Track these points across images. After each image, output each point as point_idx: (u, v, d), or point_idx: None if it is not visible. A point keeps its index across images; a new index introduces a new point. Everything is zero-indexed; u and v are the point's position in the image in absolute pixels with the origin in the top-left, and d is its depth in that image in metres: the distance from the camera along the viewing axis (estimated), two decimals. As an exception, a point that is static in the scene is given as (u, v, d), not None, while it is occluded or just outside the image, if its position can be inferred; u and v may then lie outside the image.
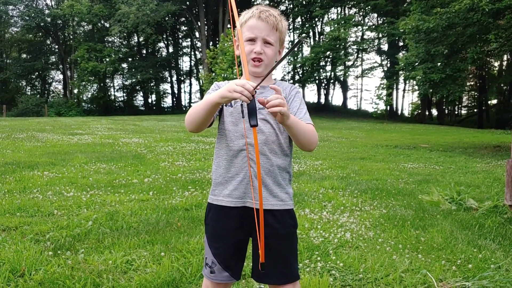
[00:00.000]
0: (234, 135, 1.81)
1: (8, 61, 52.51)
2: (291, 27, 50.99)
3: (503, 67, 40.65)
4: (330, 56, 42.82)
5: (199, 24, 45.73)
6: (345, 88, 52.27)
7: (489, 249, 3.70)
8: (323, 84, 52.08)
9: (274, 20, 1.81)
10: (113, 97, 53.79)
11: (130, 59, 49.67)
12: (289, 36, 50.68)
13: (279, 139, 1.82)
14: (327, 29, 44.44)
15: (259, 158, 1.67)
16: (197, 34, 49.90)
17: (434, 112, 51.79)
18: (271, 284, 1.88)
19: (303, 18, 49.08)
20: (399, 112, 52.64)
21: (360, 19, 45.69)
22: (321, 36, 49.42)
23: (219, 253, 1.85)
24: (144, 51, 53.84)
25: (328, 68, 47.07)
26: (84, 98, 49.24)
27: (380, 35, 43.37)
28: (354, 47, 45.19)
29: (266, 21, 1.80)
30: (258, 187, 1.62)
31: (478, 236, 4.08)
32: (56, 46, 52.88)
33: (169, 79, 56.09)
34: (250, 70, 1.83)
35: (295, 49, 48.44)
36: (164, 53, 55.85)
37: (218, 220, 1.86)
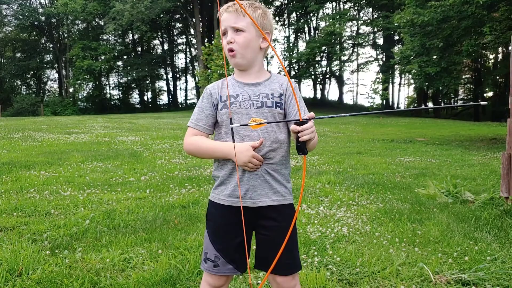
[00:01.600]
0: (238, 136, 1.81)
1: (2, 61, 52.28)
2: (286, 22, 50.95)
3: (498, 60, 40.69)
4: (326, 51, 42.84)
5: (194, 21, 45.60)
6: (341, 83, 52.35)
7: (485, 241, 3.72)
8: (319, 79, 52.10)
9: (238, 7, 1.79)
10: (108, 95, 53.71)
11: (125, 57, 49.56)
12: (284, 31, 50.65)
13: (278, 136, 1.84)
14: (322, 24, 44.45)
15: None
16: (192, 31, 49.78)
17: (430, 105, 51.89)
18: (276, 274, 1.89)
19: (298, 13, 49.03)
20: (395, 106, 52.73)
21: (355, 13, 45.70)
22: (317, 31, 49.41)
23: (223, 248, 1.87)
24: (139, 49, 53.70)
25: (324, 63, 47.17)
26: (80, 97, 49.14)
27: (375, 29, 43.37)
28: (350, 41, 45.24)
29: (229, 10, 1.81)
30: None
31: (475, 229, 4.10)
32: (51, 45, 52.68)
33: (164, 77, 56.04)
34: (230, 62, 1.85)
35: (290, 44, 48.42)
36: (159, 51, 55.73)
37: (220, 217, 1.88)
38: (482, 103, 1.35)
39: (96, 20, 48.02)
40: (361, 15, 47.53)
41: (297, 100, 1.73)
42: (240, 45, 1.80)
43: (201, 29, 46.90)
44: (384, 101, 42.03)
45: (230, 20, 1.79)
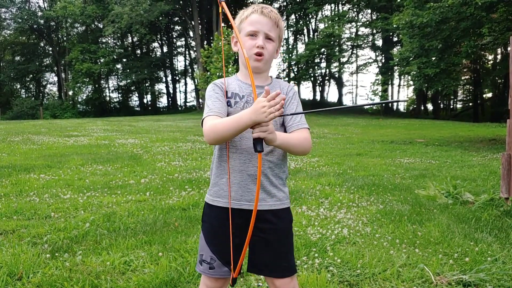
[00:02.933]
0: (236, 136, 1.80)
1: (1, 64, 52.27)
2: (284, 24, 50.95)
3: (497, 60, 40.74)
4: (325, 53, 42.86)
5: (193, 23, 45.64)
6: (340, 84, 52.35)
7: (486, 242, 3.72)
8: (318, 81, 52.14)
9: (276, 16, 1.83)
10: (108, 98, 53.72)
11: (124, 60, 49.53)
12: (284, 34, 50.70)
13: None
14: (321, 26, 44.42)
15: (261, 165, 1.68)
16: (191, 33, 49.83)
17: (430, 106, 51.93)
18: (272, 277, 1.89)
19: (297, 15, 49.13)
20: (395, 107, 52.77)
21: (354, 15, 45.75)
22: (316, 33, 49.46)
23: (218, 250, 1.86)
24: (138, 52, 53.76)
25: (323, 65, 47.18)
26: (79, 100, 49.12)
27: (374, 31, 43.43)
28: (349, 43, 45.28)
29: (269, 16, 1.82)
30: (256, 191, 1.64)
31: (475, 230, 4.10)
32: (50, 48, 52.66)
33: (164, 79, 56.11)
34: (252, 64, 1.83)
35: (289, 46, 48.48)
36: (158, 53, 55.78)
37: (215, 219, 1.88)
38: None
39: (95, 23, 48.05)
40: (360, 16, 47.61)
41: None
42: (269, 53, 1.83)
43: (200, 32, 46.94)
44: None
45: (265, 25, 1.81)
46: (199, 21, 47.38)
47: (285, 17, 50.35)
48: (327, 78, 52.34)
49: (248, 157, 1.79)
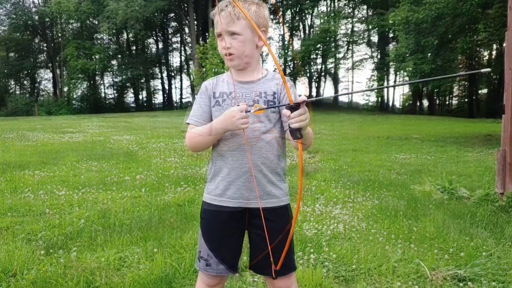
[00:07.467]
0: (228, 133, 1.80)
1: (-5, 61, 51.98)
2: (280, 20, 50.88)
3: (493, 57, 40.82)
4: (321, 49, 42.83)
5: (189, 20, 45.49)
6: (336, 81, 52.34)
7: (481, 237, 3.73)
8: (314, 77, 52.13)
9: (231, 10, 1.75)
10: (103, 95, 53.49)
11: (119, 56, 49.33)
12: (279, 30, 50.57)
13: (271, 132, 1.83)
14: (317, 22, 44.42)
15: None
16: (186, 30, 49.66)
17: (425, 103, 51.98)
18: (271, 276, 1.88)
19: (292, 11, 48.99)
20: (390, 104, 52.85)
21: (349, 11, 45.72)
22: (311, 30, 49.41)
23: (215, 247, 1.86)
24: (134, 48, 53.50)
25: (319, 61, 47.13)
26: (75, 97, 48.82)
27: (370, 27, 43.42)
28: (345, 39, 45.29)
29: (223, 14, 1.76)
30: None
31: (470, 225, 4.11)
32: (45, 45, 52.31)
33: (159, 76, 55.86)
34: (227, 64, 1.85)
35: (286, 42, 48.40)
36: (153, 50, 55.57)
37: (213, 217, 1.87)
38: (484, 70, 1.30)
39: (90, 19, 47.74)
40: (356, 13, 47.55)
41: (287, 85, 1.70)
42: (237, 49, 1.78)
43: (195, 28, 46.78)
44: (379, 99, 42.09)
45: (225, 24, 1.75)
46: (195, 18, 47.19)
47: (280, 13, 50.23)
48: (323, 74, 52.32)
49: (241, 154, 1.78)
